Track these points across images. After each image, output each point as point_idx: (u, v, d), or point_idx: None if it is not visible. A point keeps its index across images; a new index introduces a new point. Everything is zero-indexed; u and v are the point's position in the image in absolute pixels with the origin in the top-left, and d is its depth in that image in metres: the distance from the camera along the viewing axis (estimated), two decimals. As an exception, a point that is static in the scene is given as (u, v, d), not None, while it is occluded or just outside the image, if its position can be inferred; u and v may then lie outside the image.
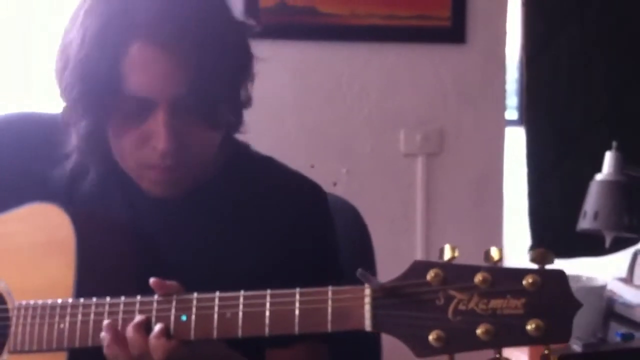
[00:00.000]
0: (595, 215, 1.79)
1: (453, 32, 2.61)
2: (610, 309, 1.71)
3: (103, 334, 1.03)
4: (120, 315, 1.05)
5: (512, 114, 2.90)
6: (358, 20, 2.56)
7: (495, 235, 2.66)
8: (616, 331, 1.67)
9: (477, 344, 0.87)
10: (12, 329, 1.12)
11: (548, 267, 0.88)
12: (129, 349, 1.02)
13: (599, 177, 1.89)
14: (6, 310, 1.15)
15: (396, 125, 2.60)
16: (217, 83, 1.08)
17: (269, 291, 0.98)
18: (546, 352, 0.87)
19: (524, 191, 2.72)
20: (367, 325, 0.91)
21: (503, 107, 2.68)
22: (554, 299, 0.86)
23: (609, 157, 1.89)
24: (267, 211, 1.20)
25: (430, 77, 2.62)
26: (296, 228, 1.20)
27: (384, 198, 2.61)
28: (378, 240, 2.46)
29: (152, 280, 1.02)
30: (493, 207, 2.67)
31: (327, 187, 2.48)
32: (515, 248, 2.79)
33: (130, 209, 1.21)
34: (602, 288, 1.70)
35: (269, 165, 1.29)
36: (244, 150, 1.29)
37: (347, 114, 2.59)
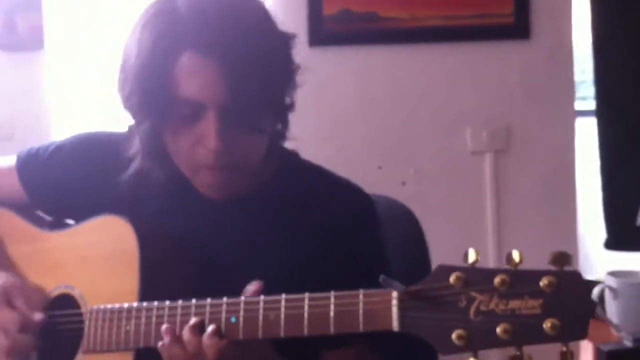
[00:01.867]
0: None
1: (516, 28, 2.62)
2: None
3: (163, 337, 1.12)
4: (178, 318, 1.13)
5: (591, 104, 2.87)
6: (418, 22, 2.60)
7: (569, 231, 2.65)
8: (673, 326, 1.67)
9: (497, 342, 0.91)
10: (86, 331, 1.22)
11: (566, 268, 0.92)
12: (186, 348, 1.10)
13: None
14: (80, 314, 1.25)
15: (462, 124, 2.63)
16: (261, 91, 1.16)
17: (307, 294, 1.05)
18: (564, 349, 0.91)
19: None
20: (395, 325, 0.97)
21: (572, 101, 2.67)
22: (570, 299, 0.90)
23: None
24: (314, 218, 1.27)
25: (494, 75, 2.64)
26: (343, 235, 1.26)
27: (452, 196, 2.64)
28: (447, 239, 2.51)
29: (256, 283, 1.11)
30: (566, 203, 2.65)
31: (396, 187, 2.57)
32: (591, 243, 2.78)
33: (188, 214, 1.30)
34: (657, 283, 1.70)
35: (317, 173, 1.36)
36: (294, 158, 1.37)
37: (412, 115, 2.63)
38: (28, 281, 1.32)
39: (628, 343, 1.53)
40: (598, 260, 2.76)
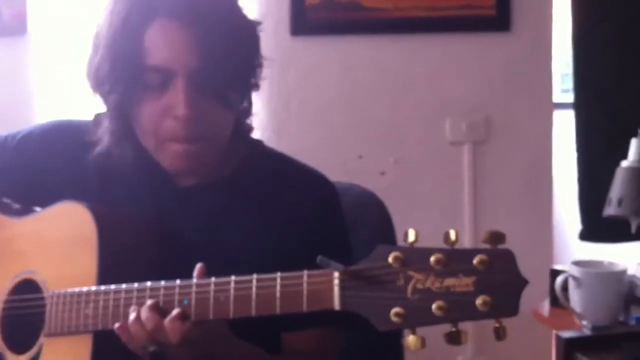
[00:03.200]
0: (620, 202, 1.81)
1: (498, 20, 2.65)
2: (631, 294, 1.73)
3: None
4: (134, 301, 1.15)
5: (569, 96, 2.89)
6: (401, 13, 2.62)
7: (544, 221, 2.68)
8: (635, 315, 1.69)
9: (433, 319, 0.94)
10: (47, 315, 1.25)
11: (500, 246, 0.95)
12: (145, 327, 1.12)
13: (624, 163, 1.90)
14: (42, 299, 1.27)
15: (442, 115, 2.66)
16: (229, 61, 1.19)
17: (255, 276, 1.07)
18: (497, 325, 0.93)
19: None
20: (336, 304, 1.00)
21: (550, 94, 2.69)
22: (501, 276, 0.93)
23: (635, 144, 1.90)
24: (279, 205, 1.30)
25: (475, 66, 2.66)
26: (306, 220, 1.29)
27: (432, 186, 2.67)
28: (427, 228, 2.52)
29: (199, 266, 1.13)
30: (542, 194, 2.68)
31: (376, 177, 2.59)
32: (567, 234, 2.80)
33: (153, 199, 1.32)
34: (623, 273, 1.72)
35: (281, 161, 1.38)
36: (259, 147, 1.39)
37: (394, 105, 2.66)
38: None
39: (587, 331, 1.56)
40: (575, 252, 2.78)
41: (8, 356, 1.29)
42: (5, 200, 1.42)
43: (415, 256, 0.96)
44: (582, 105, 2.67)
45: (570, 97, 2.90)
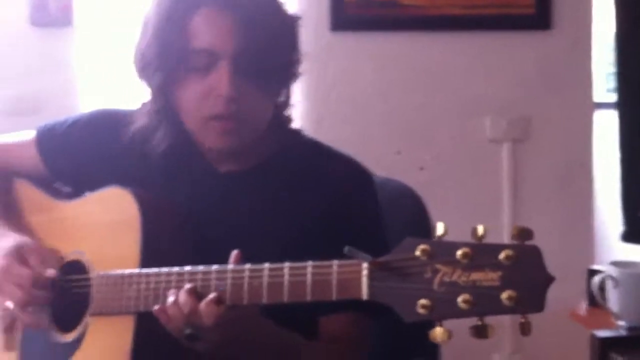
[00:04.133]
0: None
1: (538, 18, 2.64)
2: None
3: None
4: (173, 284, 1.19)
5: (614, 96, 2.86)
6: (439, 10, 2.63)
7: (584, 221, 2.66)
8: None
9: (458, 312, 0.95)
10: (92, 295, 1.29)
11: (528, 242, 0.96)
12: (182, 310, 1.15)
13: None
14: (88, 279, 1.32)
15: (481, 112, 2.66)
16: (268, 49, 1.25)
17: (287, 264, 1.09)
18: (522, 320, 0.94)
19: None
20: (364, 294, 1.01)
21: (591, 93, 2.67)
22: (527, 272, 0.94)
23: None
24: (314, 191, 1.33)
25: (515, 65, 2.65)
26: (340, 207, 1.32)
27: (469, 183, 2.67)
28: (462, 225, 2.52)
29: (235, 252, 1.16)
30: (582, 193, 2.67)
31: (414, 172, 2.60)
32: (610, 234, 2.77)
33: (192, 185, 1.36)
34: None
35: (318, 148, 1.41)
36: (297, 135, 1.42)
37: (431, 102, 2.66)
38: (42, 243, 1.39)
39: (623, 331, 1.55)
40: (618, 253, 2.76)
41: (56, 334, 1.34)
42: (56, 184, 1.47)
43: (442, 249, 0.97)
44: (625, 105, 2.63)
45: (614, 97, 2.87)
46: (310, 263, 1.07)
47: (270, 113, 1.33)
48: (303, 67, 1.36)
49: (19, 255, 1.32)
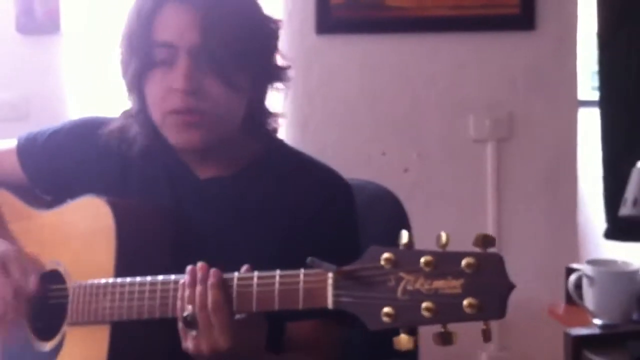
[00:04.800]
0: (635, 202, 1.82)
1: (522, 19, 2.66)
2: (644, 293, 1.74)
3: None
4: (147, 294, 1.21)
5: (595, 94, 2.89)
6: (425, 12, 2.64)
7: (568, 219, 2.68)
8: (648, 314, 1.70)
9: (421, 320, 0.97)
10: (69, 304, 1.31)
11: (490, 250, 0.97)
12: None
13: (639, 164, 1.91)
14: (66, 289, 1.33)
15: (465, 112, 2.67)
16: (233, 40, 1.25)
17: (256, 273, 1.11)
18: (484, 327, 0.96)
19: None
20: (329, 303, 1.03)
21: (575, 92, 2.69)
22: (489, 279, 0.95)
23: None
24: (291, 200, 1.34)
25: (499, 64, 2.67)
26: (315, 216, 1.33)
27: (454, 183, 2.68)
28: (448, 225, 2.54)
29: (200, 264, 1.16)
30: (566, 192, 2.69)
31: (399, 174, 2.62)
32: (594, 232, 2.79)
33: (173, 189, 1.37)
34: (636, 272, 1.73)
35: (297, 158, 1.42)
36: (277, 143, 1.43)
37: (417, 103, 2.68)
38: (25, 252, 1.40)
39: (597, 329, 1.57)
40: (603, 250, 2.78)
41: (35, 343, 1.35)
42: (36, 193, 1.49)
43: (406, 258, 0.99)
44: (607, 103, 2.66)
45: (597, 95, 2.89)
46: (277, 272, 1.09)
47: (240, 112, 1.32)
48: (290, 70, 1.37)
49: (0, 265, 1.34)
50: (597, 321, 1.67)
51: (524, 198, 2.68)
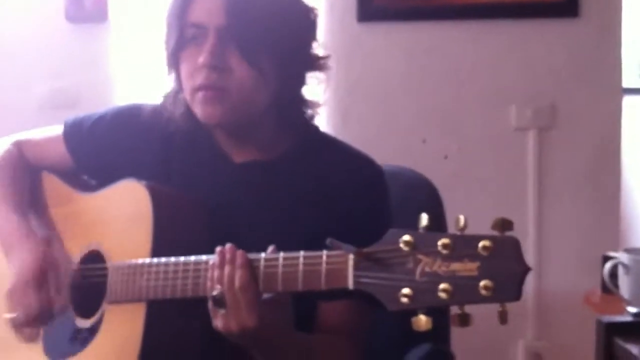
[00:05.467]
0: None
1: (566, 6, 2.63)
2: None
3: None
4: (180, 274, 1.25)
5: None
6: (468, -1, 2.64)
7: (611, 209, 2.66)
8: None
9: (438, 301, 0.99)
10: (108, 284, 1.36)
11: (507, 233, 0.99)
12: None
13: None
14: (105, 269, 1.39)
15: (507, 101, 2.66)
16: (256, 24, 1.30)
17: (281, 254, 1.15)
18: (500, 309, 0.98)
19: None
20: (350, 284, 1.07)
21: (619, 80, 2.65)
22: (504, 262, 0.97)
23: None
24: (328, 186, 1.37)
25: (542, 53, 2.65)
26: (349, 201, 1.35)
27: (495, 172, 2.68)
28: (488, 214, 2.53)
29: (228, 246, 1.20)
30: (609, 181, 2.66)
31: (439, 161, 2.62)
32: (635, 222, 2.77)
33: (210, 172, 1.41)
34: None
35: (332, 144, 1.45)
36: (314, 130, 1.46)
37: (458, 91, 2.68)
38: (62, 245, 1.46)
39: (629, 317, 1.56)
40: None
41: (76, 320, 1.41)
42: (82, 177, 1.55)
43: (424, 240, 1.02)
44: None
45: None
46: (302, 253, 1.13)
47: (265, 95, 1.35)
48: (329, 60, 1.39)
49: (39, 272, 1.38)
50: (632, 309, 1.66)
51: (565, 188, 2.66)
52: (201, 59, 1.29)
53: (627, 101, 2.73)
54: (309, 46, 1.39)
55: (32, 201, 1.53)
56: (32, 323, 1.39)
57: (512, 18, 2.65)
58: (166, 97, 1.42)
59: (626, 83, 2.74)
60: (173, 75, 1.38)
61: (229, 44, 1.30)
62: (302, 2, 1.38)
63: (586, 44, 2.63)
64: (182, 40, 1.33)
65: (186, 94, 1.35)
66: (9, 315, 1.40)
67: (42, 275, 1.38)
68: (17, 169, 1.54)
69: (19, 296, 1.38)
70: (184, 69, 1.34)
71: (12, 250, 1.43)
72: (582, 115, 2.65)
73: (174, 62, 1.36)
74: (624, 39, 2.67)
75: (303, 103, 1.42)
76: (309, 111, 1.43)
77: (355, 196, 1.36)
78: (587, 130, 2.66)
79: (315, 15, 1.39)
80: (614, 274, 1.77)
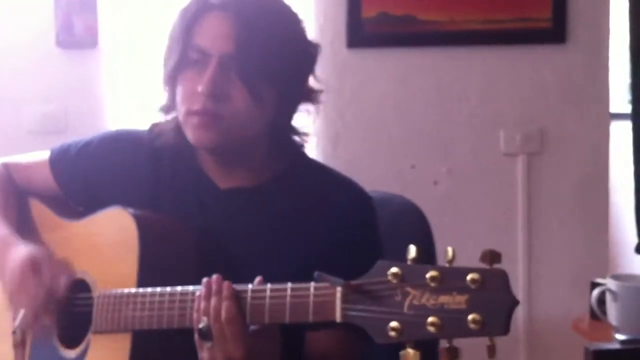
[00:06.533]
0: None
1: (554, 32, 2.66)
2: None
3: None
4: (166, 304, 1.24)
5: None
6: (456, 26, 2.66)
7: (600, 234, 2.67)
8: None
9: (427, 335, 0.99)
10: (94, 313, 1.35)
11: (496, 266, 0.98)
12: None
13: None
14: (91, 298, 1.37)
15: (496, 126, 2.68)
16: (261, 58, 1.29)
17: (268, 285, 1.14)
18: (489, 343, 0.97)
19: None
20: (338, 317, 1.06)
21: (607, 106, 2.68)
22: (493, 295, 0.96)
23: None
24: (313, 212, 1.36)
25: (530, 78, 2.67)
26: (337, 229, 1.35)
27: (484, 197, 2.69)
28: (478, 238, 2.56)
29: (215, 277, 1.19)
30: (598, 206, 2.67)
31: (429, 187, 2.63)
32: (623, 247, 2.77)
33: (196, 198, 1.40)
34: (660, 287, 1.72)
35: (321, 171, 1.45)
36: (302, 157, 1.46)
37: (447, 116, 2.69)
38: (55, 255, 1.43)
39: (616, 344, 1.56)
40: (633, 265, 2.76)
41: (61, 350, 1.39)
42: (67, 203, 1.53)
43: (412, 273, 1.01)
44: (639, 117, 2.64)
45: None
46: (289, 285, 1.12)
47: (260, 124, 1.35)
48: (319, 84, 1.39)
49: (32, 266, 1.37)
50: (620, 336, 1.66)
51: (554, 213, 2.67)
52: (200, 88, 1.29)
53: (615, 126, 2.75)
54: (307, 78, 1.39)
55: (21, 225, 1.52)
56: (42, 313, 1.35)
57: (501, 44, 2.67)
58: (160, 111, 1.42)
59: (614, 108, 2.76)
60: (168, 92, 1.38)
61: (230, 72, 1.30)
62: (307, 37, 1.38)
63: (574, 69, 2.65)
64: (183, 61, 1.33)
65: (179, 115, 1.35)
66: (19, 314, 1.36)
67: (36, 264, 1.37)
68: (5, 190, 1.54)
69: (20, 290, 1.36)
70: (181, 91, 1.34)
71: (3, 259, 1.41)
72: (570, 140, 2.67)
73: (171, 81, 1.36)
74: (612, 64, 2.70)
75: (293, 131, 1.42)
76: (298, 139, 1.43)
77: (343, 224, 1.35)
78: (576, 155, 2.67)
79: (317, 51, 1.39)
80: (602, 300, 1.78)
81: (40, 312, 1.35)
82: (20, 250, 1.40)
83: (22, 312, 1.35)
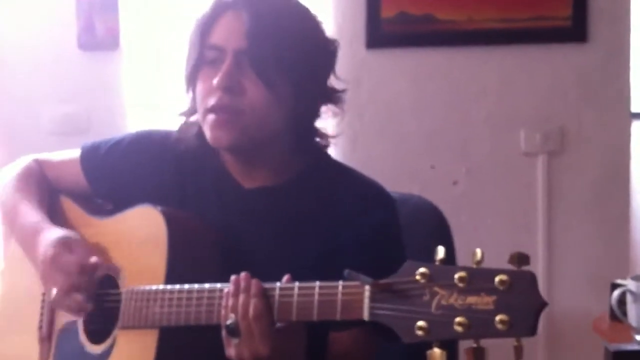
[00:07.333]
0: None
1: (574, 31, 2.65)
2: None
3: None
4: (194, 301, 1.26)
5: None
6: (475, 25, 2.66)
7: (621, 233, 2.66)
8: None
9: (454, 335, 0.99)
10: (121, 309, 1.36)
11: (524, 268, 0.99)
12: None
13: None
14: (119, 294, 1.39)
15: (516, 125, 2.68)
16: (275, 52, 1.31)
17: (296, 283, 1.15)
18: (515, 344, 0.98)
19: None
20: (365, 315, 1.07)
21: (628, 105, 2.67)
22: (521, 297, 0.97)
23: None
24: (336, 214, 1.37)
25: (550, 77, 2.66)
26: (360, 229, 1.35)
27: (504, 197, 2.69)
28: (498, 238, 2.56)
29: (243, 275, 1.21)
30: (618, 206, 2.67)
31: (448, 187, 2.63)
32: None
33: (220, 198, 1.42)
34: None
35: (342, 171, 1.45)
36: (324, 157, 1.47)
37: (466, 116, 2.69)
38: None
39: (636, 345, 1.56)
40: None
41: (87, 345, 1.41)
42: (97, 201, 1.56)
43: (441, 273, 1.02)
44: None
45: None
46: (317, 283, 1.13)
47: (278, 120, 1.36)
48: (339, 85, 1.40)
49: (65, 245, 1.39)
50: (638, 337, 1.66)
51: (575, 213, 2.67)
52: (216, 81, 1.31)
53: (636, 125, 2.74)
54: (326, 76, 1.40)
55: (52, 221, 1.52)
56: (75, 290, 1.36)
57: (521, 43, 2.67)
58: (182, 115, 1.44)
59: (635, 107, 2.75)
60: (191, 95, 1.40)
61: (245, 66, 1.32)
62: (323, 32, 1.39)
63: (595, 68, 2.65)
64: (201, 61, 1.35)
65: (199, 115, 1.37)
66: (51, 293, 1.38)
67: (69, 243, 1.39)
68: (39, 183, 1.56)
69: (53, 268, 1.37)
70: (200, 89, 1.36)
71: (36, 243, 1.43)
72: (591, 139, 2.66)
73: (192, 82, 1.38)
74: (633, 63, 2.69)
75: (315, 133, 1.43)
76: (321, 141, 1.44)
77: (365, 225, 1.36)
78: (596, 155, 2.66)
79: (335, 48, 1.40)
80: (622, 300, 1.78)
81: (72, 289, 1.36)
82: (54, 233, 1.42)
83: (54, 291, 1.37)
